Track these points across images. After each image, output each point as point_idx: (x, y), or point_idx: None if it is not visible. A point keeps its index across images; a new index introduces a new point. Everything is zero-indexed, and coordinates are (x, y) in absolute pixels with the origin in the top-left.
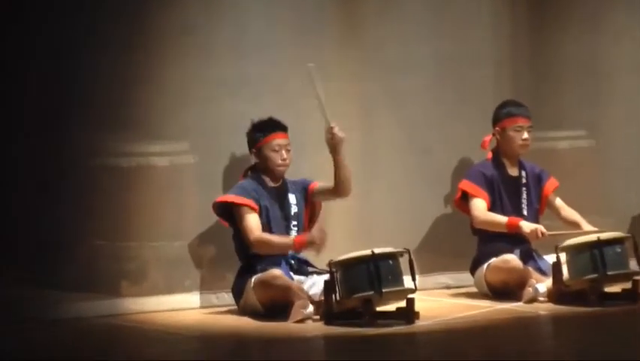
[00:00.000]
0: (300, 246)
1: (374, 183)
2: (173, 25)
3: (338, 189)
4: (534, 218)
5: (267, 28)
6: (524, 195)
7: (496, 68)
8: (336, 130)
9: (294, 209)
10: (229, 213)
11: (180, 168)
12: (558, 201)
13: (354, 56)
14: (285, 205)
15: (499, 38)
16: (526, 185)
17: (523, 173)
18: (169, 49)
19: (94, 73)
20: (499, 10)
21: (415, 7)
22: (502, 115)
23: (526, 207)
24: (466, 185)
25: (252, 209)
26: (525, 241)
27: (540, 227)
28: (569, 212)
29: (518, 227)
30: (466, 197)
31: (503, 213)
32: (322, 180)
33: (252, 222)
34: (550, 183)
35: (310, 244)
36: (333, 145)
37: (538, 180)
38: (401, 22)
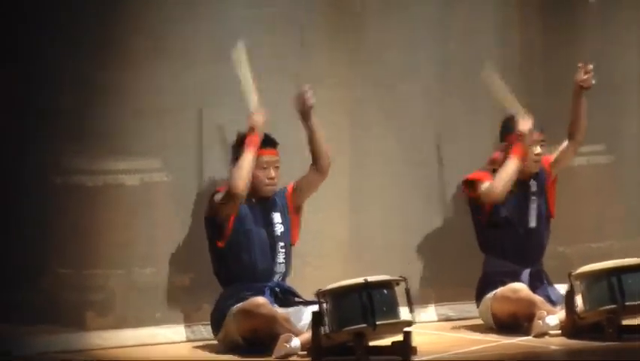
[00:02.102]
0: (252, 139)
1: (366, 202)
2: (146, 30)
3: (317, 163)
4: (543, 228)
5: (250, 32)
6: (534, 205)
7: (505, 75)
8: (308, 95)
9: (279, 229)
10: (216, 229)
11: (152, 186)
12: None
13: (346, 60)
14: (269, 225)
15: (509, 44)
16: (535, 193)
17: (533, 181)
18: (139, 54)
19: (56, 81)
20: (508, 14)
21: (418, 5)
22: (511, 129)
23: (535, 219)
24: (476, 175)
25: None
26: (535, 260)
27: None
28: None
29: (523, 148)
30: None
31: (509, 224)
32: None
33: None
34: (546, 160)
35: (256, 125)
36: (306, 110)
37: (544, 172)
38: (399, 24)
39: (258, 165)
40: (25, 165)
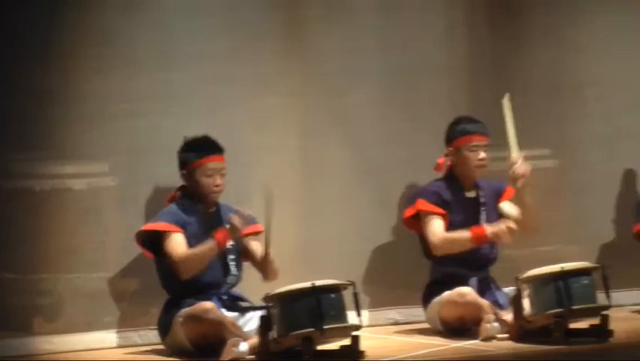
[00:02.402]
0: (223, 240)
1: (315, 208)
2: (92, 34)
3: (263, 275)
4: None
5: (199, 40)
6: (483, 216)
7: (450, 81)
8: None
9: (229, 241)
10: (153, 242)
11: (99, 191)
12: (505, 207)
13: (294, 68)
14: None
15: (455, 50)
16: (485, 205)
17: (481, 192)
18: (87, 59)
19: (3, 86)
20: (455, 20)
21: (362, 16)
22: (455, 133)
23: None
24: (421, 204)
25: (177, 231)
26: (483, 266)
27: (503, 225)
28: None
29: (485, 236)
30: (417, 217)
31: None
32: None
33: (177, 242)
34: (505, 195)
35: (233, 231)
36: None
37: (496, 196)
38: (347, 32)
39: (203, 172)
40: None
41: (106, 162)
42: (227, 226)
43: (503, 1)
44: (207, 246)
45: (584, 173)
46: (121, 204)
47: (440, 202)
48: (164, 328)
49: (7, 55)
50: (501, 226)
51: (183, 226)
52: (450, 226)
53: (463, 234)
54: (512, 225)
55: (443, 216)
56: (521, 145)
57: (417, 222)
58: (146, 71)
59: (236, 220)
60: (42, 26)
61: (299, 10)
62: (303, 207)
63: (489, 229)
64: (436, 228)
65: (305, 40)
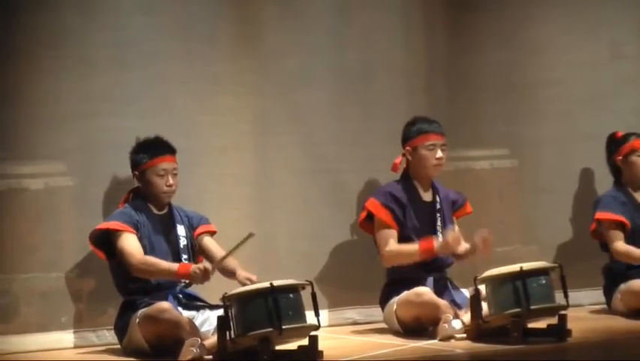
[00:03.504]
0: (182, 274)
1: (271, 208)
2: (46, 34)
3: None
4: None
5: (153, 39)
6: (439, 223)
7: (407, 81)
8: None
9: (182, 241)
10: (106, 243)
11: (56, 191)
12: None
13: (249, 67)
14: (171, 236)
15: (411, 49)
16: (441, 211)
17: (437, 198)
18: (41, 60)
19: None
20: (412, 20)
21: (317, 14)
22: (412, 133)
23: (441, 235)
24: (373, 206)
25: (131, 232)
26: (440, 269)
27: (451, 236)
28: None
29: (433, 251)
30: (371, 218)
31: (413, 240)
32: (212, 238)
33: (132, 244)
34: (462, 210)
35: (192, 278)
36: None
37: (452, 205)
38: (302, 31)
39: (155, 172)
40: None
41: (62, 162)
42: (192, 271)
43: (460, 3)
44: (167, 268)
45: (541, 173)
46: (77, 204)
47: (395, 205)
48: (121, 329)
49: None
50: (447, 241)
51: (136, 227)
52: (404, 230)
53: (412, 248)
54: (456, 235)
55: (395, 226)
56: (478, 145)
57: (371, 224)
58: (99, 71)
59: (199, 276)
60: None
61: (253, 9)
62: (259, 206)
63: (437, 245)
64: (388, 236)
65: (260, 39)
